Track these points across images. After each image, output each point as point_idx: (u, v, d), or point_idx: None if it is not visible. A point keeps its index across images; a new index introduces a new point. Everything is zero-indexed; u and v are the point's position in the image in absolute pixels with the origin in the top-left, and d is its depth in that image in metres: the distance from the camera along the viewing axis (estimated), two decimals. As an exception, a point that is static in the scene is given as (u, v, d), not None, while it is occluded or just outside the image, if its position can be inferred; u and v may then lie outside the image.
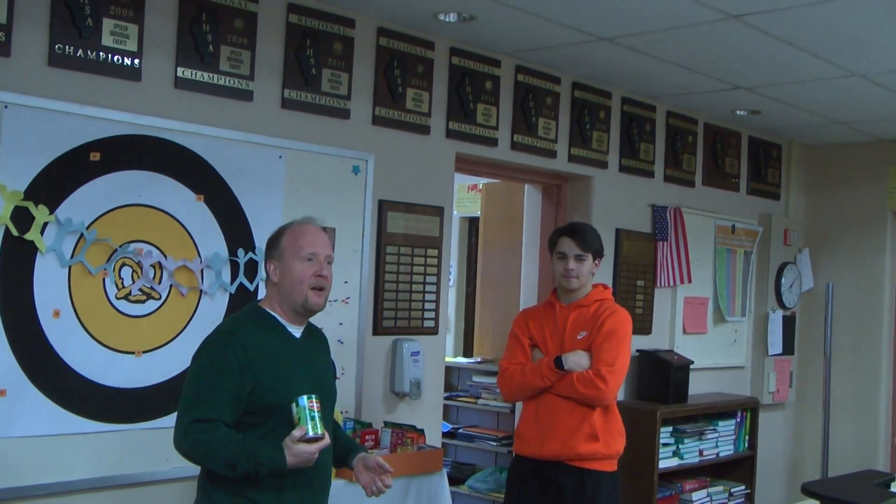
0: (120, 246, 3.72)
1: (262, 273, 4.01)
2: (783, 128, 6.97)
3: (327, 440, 2.96)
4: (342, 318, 4.48)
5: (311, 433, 2.89)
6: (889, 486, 4.34)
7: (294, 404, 2.90)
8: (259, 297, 3.50)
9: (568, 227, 4.38)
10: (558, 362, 4.10)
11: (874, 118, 6.41)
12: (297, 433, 2.88)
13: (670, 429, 5.90)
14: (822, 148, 7.49)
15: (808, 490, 4.20)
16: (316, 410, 2.91)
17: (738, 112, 6.42)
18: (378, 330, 4.69)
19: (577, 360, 4.11)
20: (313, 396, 2.91)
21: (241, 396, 2.93)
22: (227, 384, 2.92)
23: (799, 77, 5.38)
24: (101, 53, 3.65)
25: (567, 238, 4.24)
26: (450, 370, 6.36)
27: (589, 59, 5.26)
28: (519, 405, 4.51)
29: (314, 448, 2.91)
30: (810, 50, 4.81)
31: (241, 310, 3.22)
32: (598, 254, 4.28)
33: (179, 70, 3.91)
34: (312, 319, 3.22)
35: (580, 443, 4.10)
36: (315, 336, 3.25)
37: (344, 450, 3.32)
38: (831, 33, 4.55)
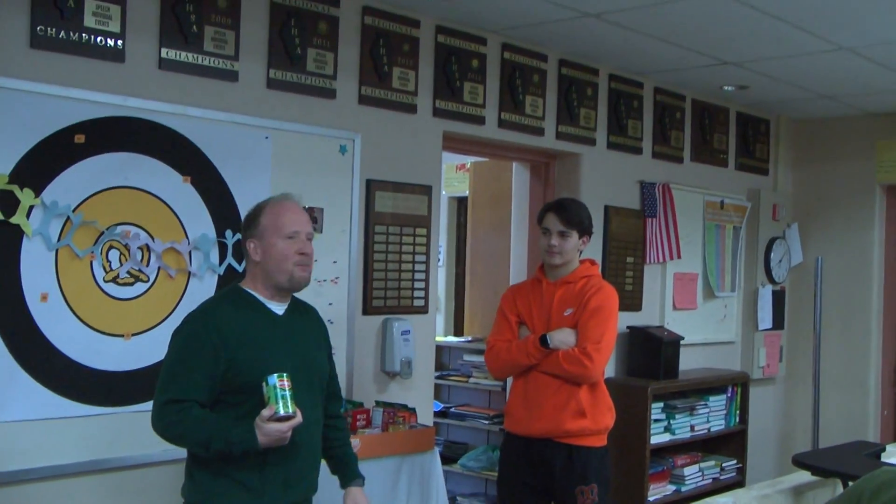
0: (107, 228, 3.70)
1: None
2: (771, 103, 6.96)
3: (299, 418, 2.92)
4: (332, 298, 4.47)
5: (281, 412, 2.87)
6: (879, 457, 4.36)
7: (264, 384, 2.88)
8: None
9: (555, 202, 4.36)
10: (544, 340, 4.10)
11: (862, 92, 6.40)
12: (266, 413, 2.86)
13: (661, 404, 5.91)
14: (810, 122, 7.48)
15: (799, 461, 4.21)
16: (287, 389, 2.88)
17: (726, 87, 6.41)
18: (368, 310, 4.68)
19: (562, 338, 4.11)
20: (284, 375, 2.89)
21: (216, 376, 2.94)
22: (200, 364, 2.93)
23: (786, 51, 5.37)
24: (83, 35, 3.62)
25: (552, 214, 4.22)
26: (441, 349, 6.36)
27: (576, 36, 5.24)
28: (510, 382, 4.51)
29: (286, 427, 2.89)
30: (797, 24, 4.80)
31: (220, 291, 3.21)
32: (584, 231, 4.24)
33: (163, 51, 3.89)
34: (304, 298, 3.21)
35: (568, 420, 4.10)
36: (303, 313, 3.23)
37: (341, 463, 3.34)
38: (818, 6, 4.54)
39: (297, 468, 3.09)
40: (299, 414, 2.93)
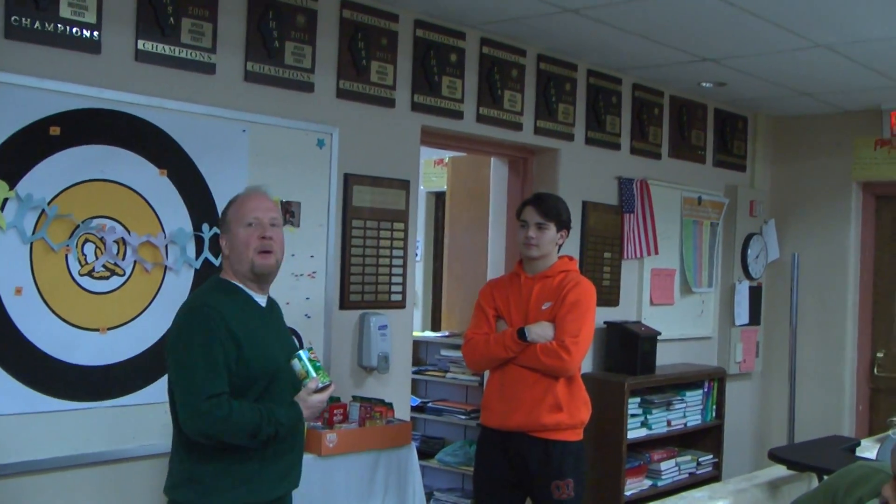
0: (82, 222, 3.67)
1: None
2: (749, 100, 6.99)
3: (333, 386, 3.04)
4: (309, 293, 4.45)
5: (322, 382, 2.98)
6: (854, 451, 4.39)
7: (296, 360, 2.99)
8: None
9: (533, 196, 4.41)
10: (521, 333, 4.11)
11: (839, 89, 6.43)
12: (311, 385, 2.97)
13: (638, 400, 5.93)
14: (787, 120, 7.52)
15: (775, 455, 4.22)
16: (318, 360, 3.00)
17: (704, 84, 6.43)
18: (345, 304, 4.67)
19: (540, 332, 4.12)
20: (311, 348, 2.96)
21: (231, 367, 2.94)
22: (219, 357, 2.92)
23: (764, 48, 5.39)
24: (59, 25, 3.59)
25: (530, 206, 4.26)
26: (418, 344, 6.35)
27: (554, 31, 5.23)
28: (486, 376, 4.52)
29: (326, 396, 3.02)
30: (776, 21, 4.81)
31: (205, 283, 3.19)
32: (563, 224, 4.27)
33: (140, 43, 3.85)
34: (277, 291, 3.21)
35: (544, 413, 4.11)
36: (273, 306, 3.27)
37: None
38: (796, 4, 4.56)
39: (291, 459, 3.14)
40: (333, 383, 3.04)
